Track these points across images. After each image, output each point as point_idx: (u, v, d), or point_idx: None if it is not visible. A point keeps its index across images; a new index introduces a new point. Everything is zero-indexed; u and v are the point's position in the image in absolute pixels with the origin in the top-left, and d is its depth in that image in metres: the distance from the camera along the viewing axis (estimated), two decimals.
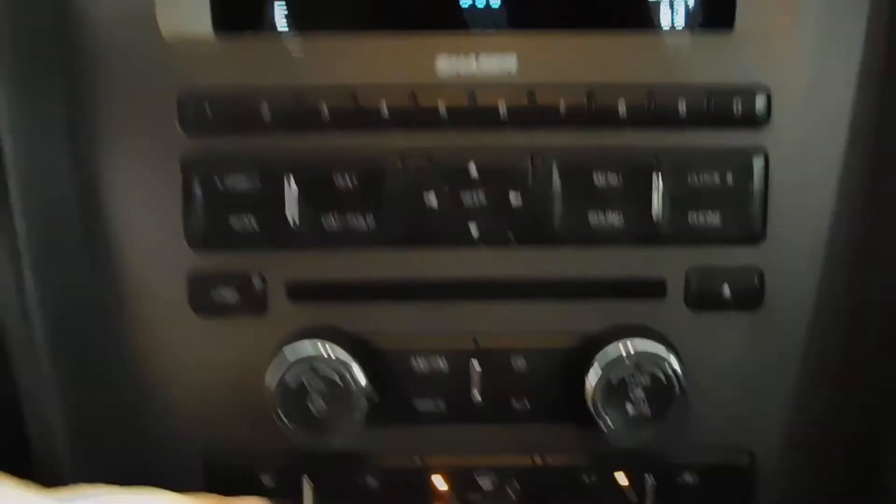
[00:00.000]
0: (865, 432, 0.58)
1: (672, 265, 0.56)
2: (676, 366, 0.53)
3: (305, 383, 0.53)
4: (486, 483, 0.58)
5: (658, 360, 0.53)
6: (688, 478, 0.58)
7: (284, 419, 0.53)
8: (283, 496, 0.58)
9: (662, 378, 0.53)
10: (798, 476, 0.59)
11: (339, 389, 0.53)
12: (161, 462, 0.58)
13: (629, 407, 0.53)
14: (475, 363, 0.56)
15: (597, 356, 0.53)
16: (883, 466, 0.58)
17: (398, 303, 0.56)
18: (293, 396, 0.53)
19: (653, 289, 0.56)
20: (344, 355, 0.53)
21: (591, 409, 0.53)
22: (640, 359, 0.53)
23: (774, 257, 0.55)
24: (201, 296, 0.56)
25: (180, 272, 0.56)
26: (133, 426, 0.59)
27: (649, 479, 0.58)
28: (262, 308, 0.56)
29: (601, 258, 0.55)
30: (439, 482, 0.58)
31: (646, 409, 0.53)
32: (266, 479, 0.58)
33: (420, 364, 0.57)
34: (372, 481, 0.58)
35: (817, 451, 0.59)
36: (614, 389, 0.53)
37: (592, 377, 0.53)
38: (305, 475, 0.58)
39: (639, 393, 0.53)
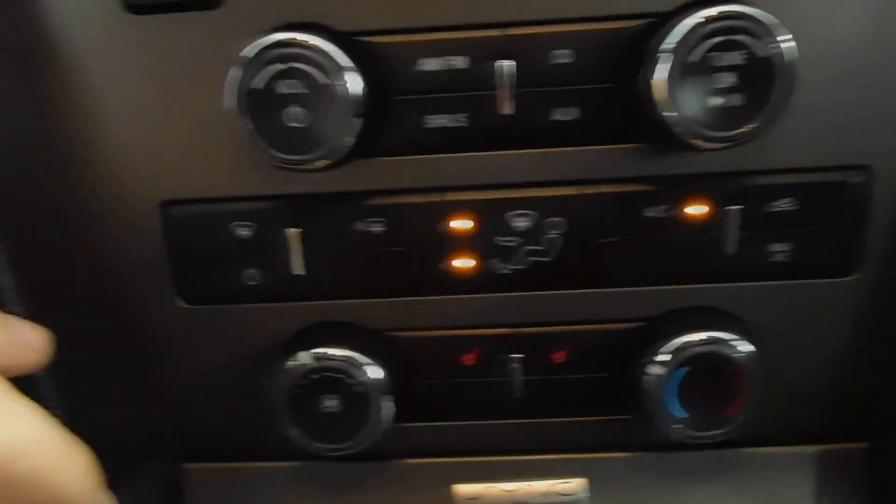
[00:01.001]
0: None
1: None
2: (783, 34, 0.38)
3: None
4: (519, 222, 0.46)
5: (757, 29, 0.39)
6: (784, 204, 0.45)
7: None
8: (264, 248, 0.47)
9: (761, 52, 0.39)
10: None
11: None
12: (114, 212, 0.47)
13: (710, 98, 0.39)
14: (505, 60, 0.42)
15: (664, 30, 0.39)
16: None
17: None
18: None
19: None
20: None
21: (659, 102, 0.38)
22: (729, 25, 0.38)
23: None
24: None
25: None
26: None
27: (732, 209, 0.45)
28: None
29: None
30: (461, 223, 0.46)
31: (735, 99, 0.40)
32: (243, 231, 0.47)
33: (431, 64, 0.43)
34: (375, 226, 0.46)
35: None
36: (691, 69, 0.38)
37: (661, 59, 0.38)
38: (289, 224, 0.46)
39: (726, 77, 0.40)
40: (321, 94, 0.40)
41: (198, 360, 0.50)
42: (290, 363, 0.46)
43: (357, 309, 0.48)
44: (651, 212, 0.45)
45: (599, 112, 0.43)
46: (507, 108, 0.43)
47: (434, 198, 0.45)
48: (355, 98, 0.40)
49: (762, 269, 0.46)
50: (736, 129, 0.40)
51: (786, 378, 0.48)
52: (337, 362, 0.46)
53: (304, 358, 0.46)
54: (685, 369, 0.45)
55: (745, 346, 0.45)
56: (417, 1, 0.42)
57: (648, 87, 0.39)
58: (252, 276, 0.48)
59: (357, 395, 0.46)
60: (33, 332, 0.39)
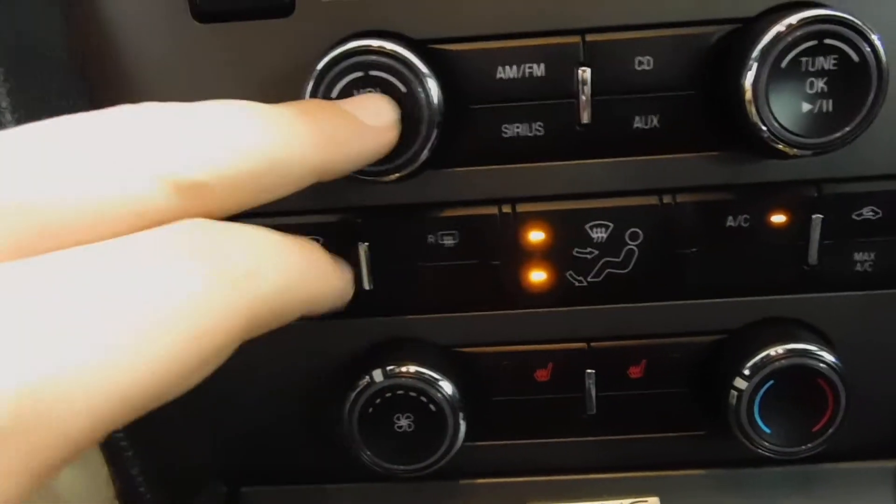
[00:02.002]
0: None
1: None
2: (875, 39, 0.37)
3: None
4: (596, 233, 0.45)
5: (849, 33, 0.38)
6: (868, 212, 0.44)
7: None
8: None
9: (854, 57, 0.39)
10: None
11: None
12: None
13: (804, 103, 0.39)
14: (584, 68, 0.41)
15: (752, 35, 0.38)
16: None
17: None
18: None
19: None
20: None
21: (749, 107, 0.38)
22: (821, 29, 0.37)
23: None
24: None
25: None
26: None
27: (815, 217, 0.43)
28: None
29: None
30: (535, 235, 0.44)
31: (826, 105, 0.39)
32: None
33: (509, 72, 0.42)
34: (447, 239, 0.45)
35: None
36: (781, 74, 0.38)
37: (752, 65, 0.37)
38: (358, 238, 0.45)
39: (819, 83, 0.39)
40: (399, 104, 0.40)
41: (260, 382, 0.49)
42: (361, 382, 0.45)
43: (428, 324, 0.47)
44: (732, 221, 0.44)
45: (680, 120, 0.42)
46: (586, 117, 0.42)
47: (508, 209, 0.44)
48: (434, 107, 0.39)
49: (845, 279, 0.45)
50: (827, 135, 0.39)
51: (869, 391, 0.47)
52: (410, 380, 0.44)
53: (376, 376, 0.45)
54: (770, 382, 0.44)
55: (830, 358, 0.44)
56: (495, 8, 0.41)
57: (737, 93, 0.39)
58: None
59: (432, 414, 0.44)
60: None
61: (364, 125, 0.37)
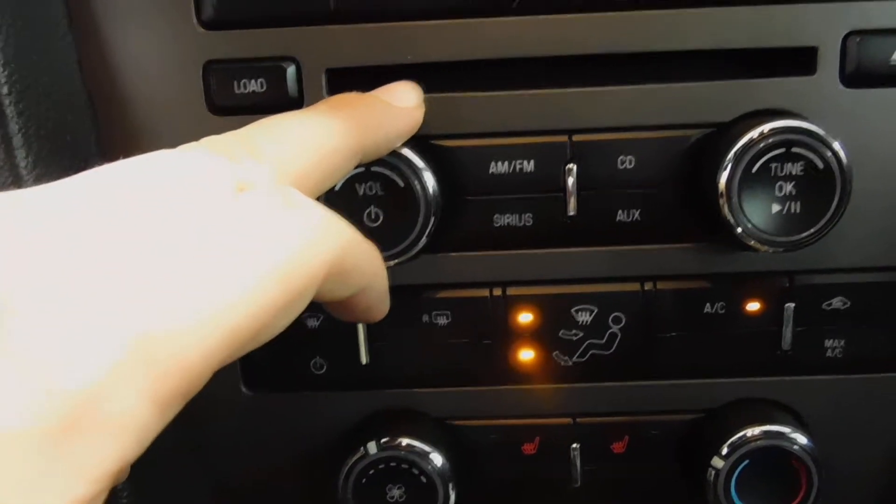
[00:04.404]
0: None
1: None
2: (838, 148, 0.41)
3: None
4: (581, 316, 0.48)
5: (814, 143, 0.41)
6: (838, 302, 0.47)
7: None
8: (331, 338, 0.48)
9: (819, 164, 0.41)
10: None
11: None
12: None
13: (774, 204, 0.42)
14: (571, 165, 0.44)
15: (727, 140, 0.42)
16: None
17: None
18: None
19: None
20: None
21: (723, 206, 0.41)
22: (789, 138, 0.41)
23: None
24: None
25: None
26: None
27: (788, 306, 0.46)
28: None
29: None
30: (524, 317, 0.47)
31: (794, 207, 0.42)
32: (312, 321, 0.48)
33: (501, 167, 0.46)
34: (441, 318, 0.48)
35: None
36: (752, 177, 0.41)
37: (726, 167, 0.40)
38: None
39: (787, 187, 0.42)
40: (398, 196, 0.43)
41: (258, 446, 0.51)
42: (356, 453, 0.47)
43: (421, 397, 0.49)
44: (709, 308, 0.47)
45: (660, 214, 0.45)
46: (572, 209, 0.45)
47: (499, 292, 0.47)
48: (430, 198, 0.43)
49: (817, 364, 0.48)
50: (796, 234, 0.42)
51: (842, 470, 0.49)
52: (402, 452, 0.47)
53: (370, 448, 0.47)
54: (746, 462, 0.46)
55: (803, 440, 0.46)
56: (489, 108, 0.45)
57: (712, 192, 0.42)
58: (318, 365, 0.50)
59: (423, 485, 0.47)
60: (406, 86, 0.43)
61: (393, 107, 0.42)
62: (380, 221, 0.43)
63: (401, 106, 0.42)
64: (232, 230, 0.29)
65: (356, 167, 0.40)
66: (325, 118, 0.38)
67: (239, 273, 0.28)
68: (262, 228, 0.30)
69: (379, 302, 0.40)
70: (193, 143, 0.34)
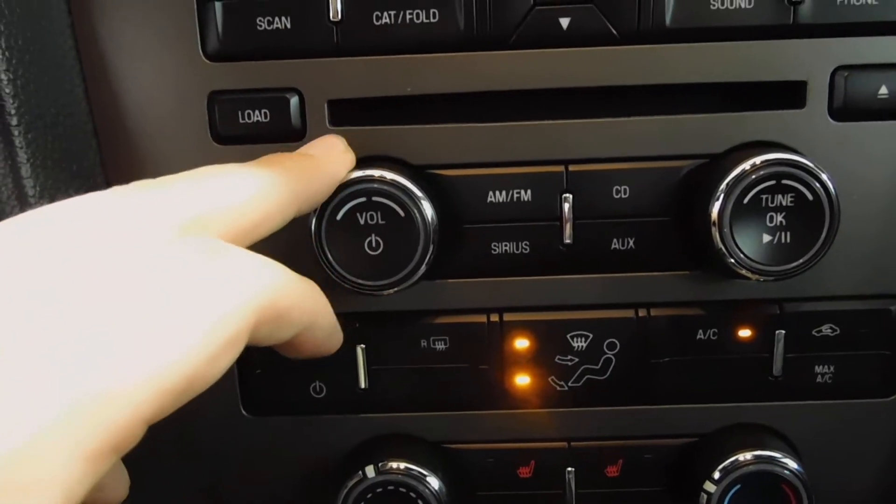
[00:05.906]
0: None
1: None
2: (827, 180, 0.42)
3: None
4: (576, 342, 0.49)
5: (804, 175, 0.42)
6: (827, 329, 0.48)
7: None
8: (330, 363, 0.49)
9: (808, 195, 0.43)
10: None
11: None
12: None
13: (765, 234, 0.42)
14: (567, 194, 0.45)
15: (720, 172, 0.43)
16: None
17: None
18: None
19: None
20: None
21: (715, 236, 0.42)
22: (780, 170, 0.42)
23: None
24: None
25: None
26: None
27: (779, 333, 0.47)
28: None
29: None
30: (521, 342, 0.48)
31: (785, 237, 0.43)
32: None
33: (498, 196, 0.46)
34: (438, 344, 0.48)
35: None
36: (743, 208, 0.42)
37: (719, 198, 0.42)
38: (356, 341, 0.48)
39: (778, 217, 0.43)
40: (398, 224, 0.43)
41: (257, 469, 0.52)
42: (354, 477, 0.48)
43: (418, 422, 0.50)
44: (702, 335, 0.48)
45: (654, 242, 0.46)
46: (567, 238, 0.46)
47: (496, 318, 0.48)
48: (429, 227, 0.43)
49: (808, 389, 0.49)
50: (786, 264, 0.43)
51: (832, 495, 0.50)
52: (399, 475, 0.47)
53: (368, 472, 0.47)
54: (737, 487, 0.47)
55: (794, 465, 0.47)
56: (487, 139, 0.46)
57: (705, 222, 0.43)
58: (317, 388, 0.50)
59: None
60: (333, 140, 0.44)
61: (322, 160, 0.43)
62: (380, 250, 0.44)
63: (328, 157, 0.43)
64: (154, 285, 0.29)
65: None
66: (250, 168, 0.38)
67: (165, 332, 0.28)
68: (183, 282, 0.30)
69: (327, 338, 0.40)
70: (121, 188, 0.34)
